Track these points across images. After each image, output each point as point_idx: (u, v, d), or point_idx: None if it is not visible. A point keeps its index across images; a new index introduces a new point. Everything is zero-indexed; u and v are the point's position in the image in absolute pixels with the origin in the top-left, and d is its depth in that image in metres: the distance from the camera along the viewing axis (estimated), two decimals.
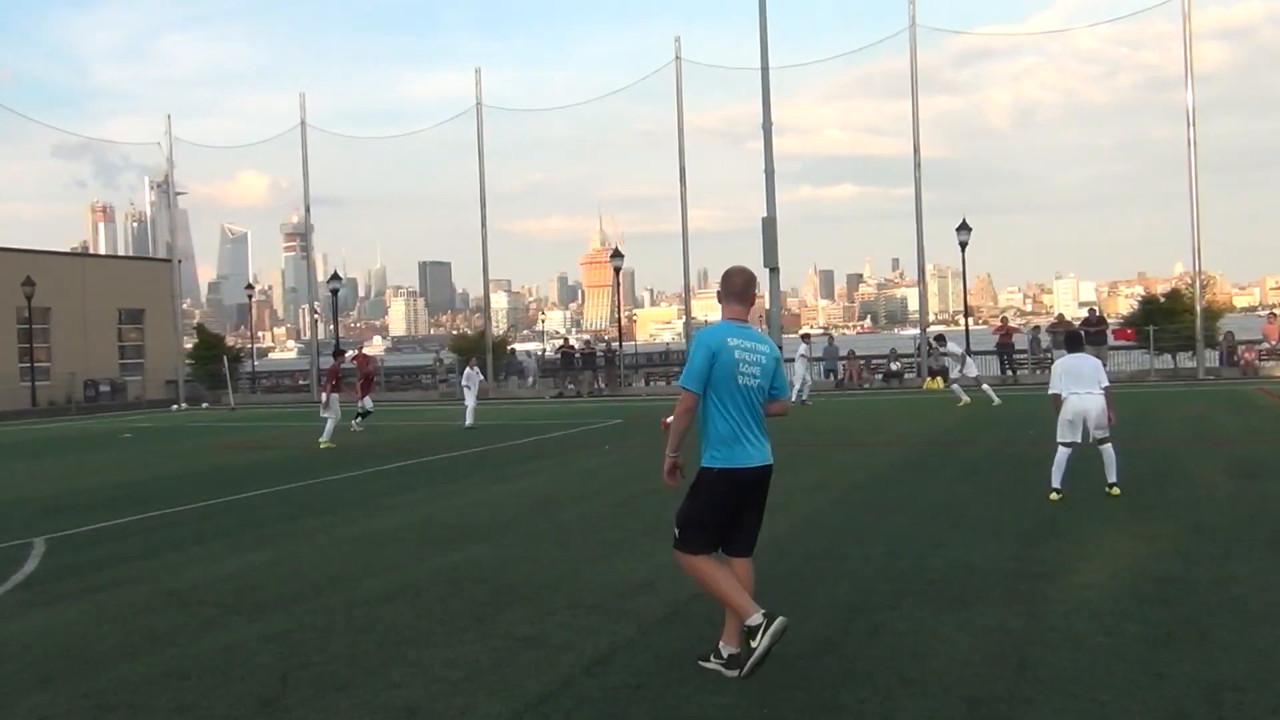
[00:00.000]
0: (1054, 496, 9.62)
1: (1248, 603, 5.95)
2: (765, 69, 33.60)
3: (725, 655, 5.07)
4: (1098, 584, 6.54)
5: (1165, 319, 31.01)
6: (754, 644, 4.88)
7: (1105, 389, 9.55)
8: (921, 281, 36.80)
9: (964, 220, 34.08)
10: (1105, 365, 10.63)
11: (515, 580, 7.38)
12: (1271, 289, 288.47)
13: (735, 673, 4.97)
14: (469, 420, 22.61)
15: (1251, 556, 7.09)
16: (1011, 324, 35.45)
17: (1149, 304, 33.68)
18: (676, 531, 5.18)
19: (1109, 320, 34.63)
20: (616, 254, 41.28)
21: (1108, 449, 9.69)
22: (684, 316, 39.61)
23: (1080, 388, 9.59)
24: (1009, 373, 31.33)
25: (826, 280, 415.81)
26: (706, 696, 4.80)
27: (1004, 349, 31.92)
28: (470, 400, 23.55)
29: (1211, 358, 30.21)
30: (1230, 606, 5.88)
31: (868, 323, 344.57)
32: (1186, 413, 18.36)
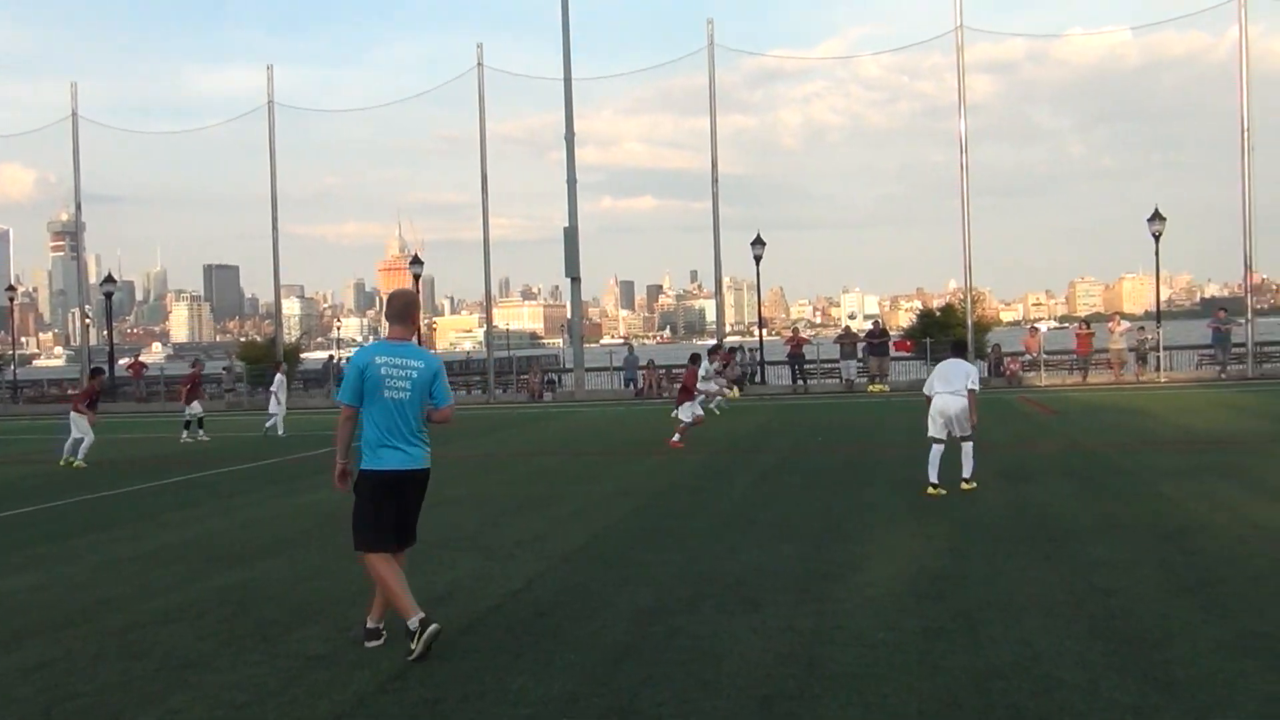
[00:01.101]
0: (930, 491, 10.17)
1: (1012, 596, 6.40)
2: (568, 80, 33.89)
3: (369, 627, 5.77)
4: (880, 582, 6.89)
5: (940, 331, 33.09)
6: (413, 646, 5.46)
7: (970, 391, 10.30)
8: (719, 293, 37.89)
9: (759, 235, 35.32)
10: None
11: (307, 597, 7.11)
12: (1033, 305, 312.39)
13: (377, 642, 5.70)
14: (280, 429, 22.22)
15: (1016, 553, 7.64)
16: (802, 335, 36.96)
17: (926, 317, 35.92)
18: (354, 534, 5.75)
19: (891, 332, 36.60)
20: (416, 261, 40.51)
21: (967, 446, 10.41)
22: (485, 325, 39.21)
23: (947, 388, 10.42)
24: (800, 382, 32.63)
25: (627, 290, 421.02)
26: (505, 709, 4.75)
27: (795, 359, 33.23)
28: (277, 408, 22.77)
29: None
30: (997, 600, 6.31)
31: (667, 333, 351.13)
32: None
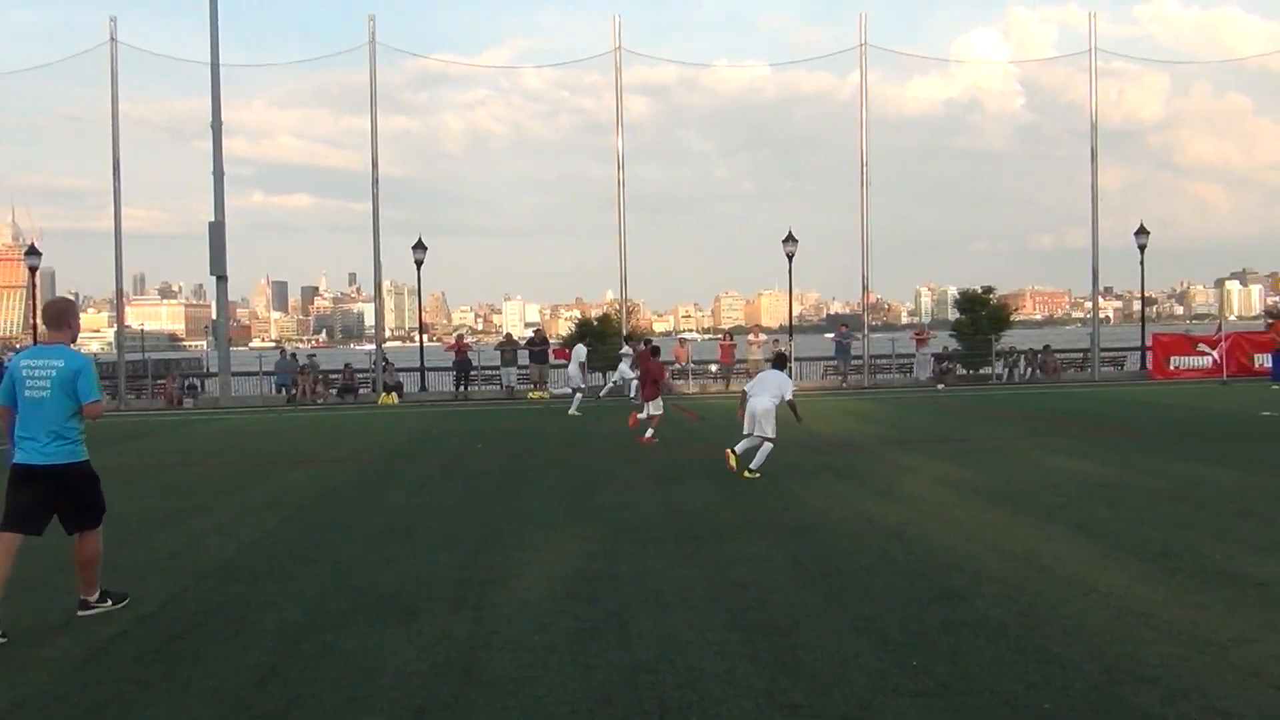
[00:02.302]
0: (731, 459, 12.03)
1: (660, 593, 6.72)
2: (215, 65, 31.74)
3: (97, 595, 6.49)
4: (537, 586, 6.99)
5: (599, 340, 34.19)
6: None
7: (789, 401, 12.17)
8: (378, 297, 36.93)
9: (420, 239, 34.86)
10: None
11: None
12: (683, 317, 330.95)
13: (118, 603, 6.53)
14: None
15: (664, 552, 8.03)
16: (465, 341, 36.87)
17: (585, 326, 36.92)
18: None
19: (550, 340, 37.35)
20: (33, 251, 36.30)
21: (766, 446, 11.98)
22: (117, 325, 35.82)
23: (757, 393, 12.20)
24: (461, 388, 32.52)
25: (280, 291, 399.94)
26: None
27: (460, 365, 33.06)
28: None
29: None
30: (647, 598, 6.60)
31: (323, 337, 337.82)
32: (614, 426, 20.35)
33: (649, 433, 16.79)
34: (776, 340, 36.73)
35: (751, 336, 36.47)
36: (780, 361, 13.43)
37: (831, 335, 36.88)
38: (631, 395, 25.08)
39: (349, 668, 5.30)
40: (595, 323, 37.06)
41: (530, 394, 30.99)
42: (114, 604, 6.53)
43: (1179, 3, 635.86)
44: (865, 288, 35.05)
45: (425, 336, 38.94)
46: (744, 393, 12.64)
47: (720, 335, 41.26)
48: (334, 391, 33.03)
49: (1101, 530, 8.49)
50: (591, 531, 9.00)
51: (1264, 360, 30.76)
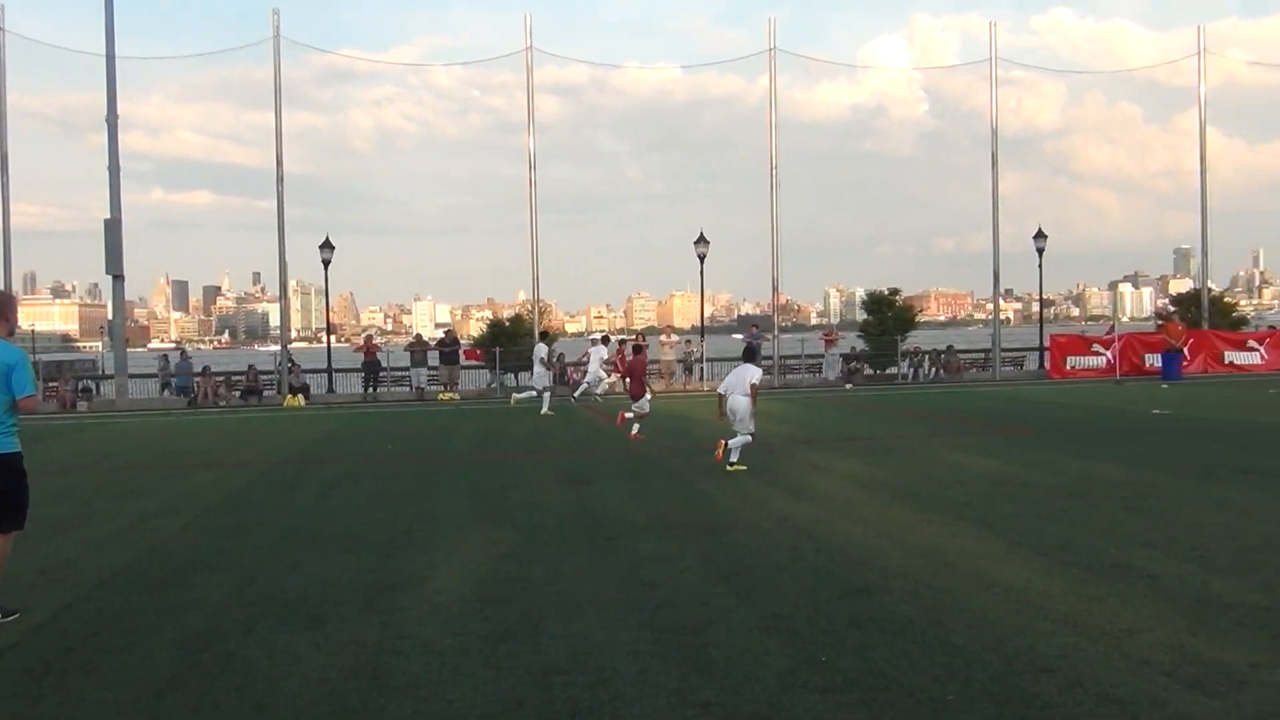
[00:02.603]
0: (719, 453, 12.56)
1: (571, 594, 6.70)
2: (111, 57, 30.70)
3: None
4: (448, 589, 6.92)
5: (510, 341, 33.99)
6: None
7: (752, 386, 12.51)
8: (284, 297, 36.16)
9: (327, 238, 34.19)
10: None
11: None
12: (596, 317, 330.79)
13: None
14: None
15: (575, 553, 8.02)
16: (374, 342, 36.28)
17: (496, 327, 36.66)
18: None
19: (462, 341, 36.99)
20: None
21: (740, 439, 12.55)
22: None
23: (730, 391, 12.71)
24: (371, 389, 32.01)
25: (180, 291, 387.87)
26: None
27: (369, 366, 32.51)
28: None
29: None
30: (558, 599, 6.58)
31: (226, 337, 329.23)
32: (525, 427, 20.26)
33: (635, 429, 16.91)
34: (689, 341, 37.00)
35: (664, 337, 36.63)
36: (750, 355, 13.75)
37: (742, 336, 37.20)
38: (599, 394, 25.23)
39: (253, 675, 5.17)
40: (507, 323, 36.81)
41: (441, 395, 30.65)
42: (4, 617, 6.26)
43: (1074, 14, 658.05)
44: (775, 289, 35.51)
45: (333, 337, 38.16)
46: (720, 396, 12.94)
47: (633, 336, 41.35)
48: (237, 394, 32.23)
49: (1003, 526, 8.73)
50: (503, 533, 8.94)
51: (1155, 360, 31.98)
